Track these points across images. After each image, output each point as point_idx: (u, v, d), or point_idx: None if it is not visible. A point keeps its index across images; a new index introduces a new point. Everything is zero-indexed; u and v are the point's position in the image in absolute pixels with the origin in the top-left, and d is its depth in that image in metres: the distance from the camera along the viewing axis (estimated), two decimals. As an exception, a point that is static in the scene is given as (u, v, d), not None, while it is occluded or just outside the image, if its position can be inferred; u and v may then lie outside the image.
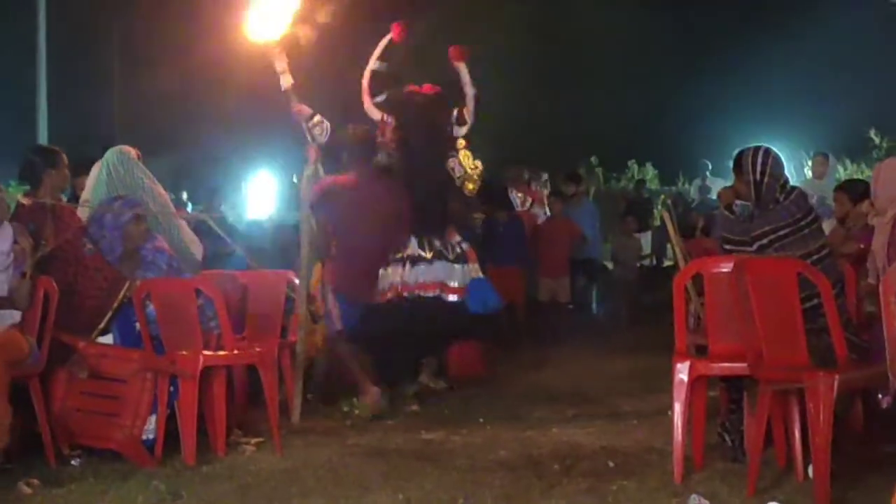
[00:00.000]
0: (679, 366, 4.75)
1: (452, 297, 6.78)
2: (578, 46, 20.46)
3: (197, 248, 6.25)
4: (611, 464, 5.07)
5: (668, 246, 10.75)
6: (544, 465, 5.08)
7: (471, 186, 7.03)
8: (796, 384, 4.35)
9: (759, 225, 4.89)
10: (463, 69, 7.00)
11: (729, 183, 8.36)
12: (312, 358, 6.65)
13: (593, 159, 21.33)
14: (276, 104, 6.74)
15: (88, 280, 5.52)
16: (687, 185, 19.10)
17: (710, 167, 16.74)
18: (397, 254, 6.77)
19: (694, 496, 4.35)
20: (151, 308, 5.41)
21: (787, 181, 5.00)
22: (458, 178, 6.98)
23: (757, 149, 4.99)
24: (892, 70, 18.14)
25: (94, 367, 5.32)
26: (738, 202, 5.09)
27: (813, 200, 6.12)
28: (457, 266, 6.85)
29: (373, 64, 7.06)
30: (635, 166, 22.10)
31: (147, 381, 5.27)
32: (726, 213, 5.17)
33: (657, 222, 14.78)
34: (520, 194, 11.12)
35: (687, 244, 6.36)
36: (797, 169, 15.21)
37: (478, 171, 7.03)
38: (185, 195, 14.79)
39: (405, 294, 6.72)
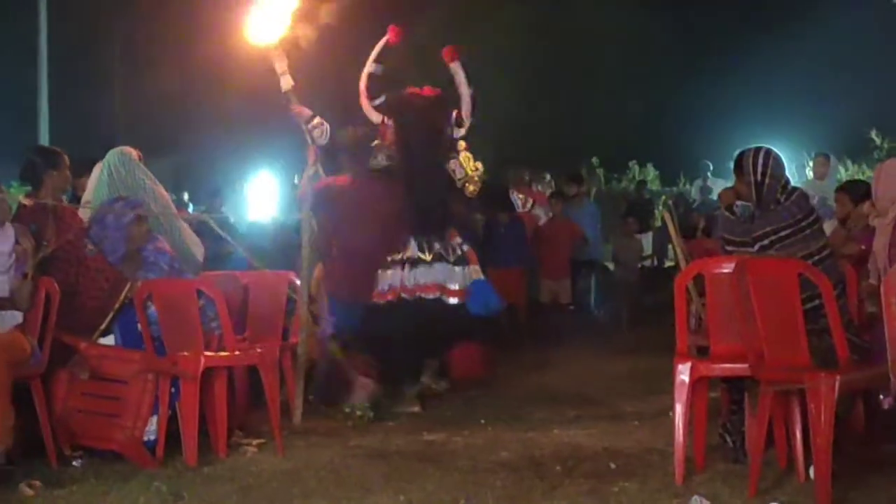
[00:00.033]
0: (680, 367, 4.75)
1: (453, 300, 6.78)
2: (579, 47, 20.47)
3: (198, 249, 6.25)
4: (612, 465, 5.06)
5: (670, 247, 10.76)
6: (546, 466, 5.08)
7: (471, 188, 7.03)
8: (797, 385, 4.35)
9: (760, 226, 4.89)
10: (457, 70, 7.00)
11: (730, 184, 8.36)
12: (314, 359, 6.65)
13: (594, 160, 21.34)
14: (277, 105, 6.74)
15: (90, 281, 5.52)
16: (688, 186, 19.11)
17: (711, 168, 16.75)
18: (396, 255, 6.78)
19: (695, 497, 4.36)
20: (153, 309, 5.41)
21: (788, 182, 5.00)
22: (459, 179, 6.98)
23: (758, 150, 4.99)
24: (894, 70, 18.15)
25: (96, 367, 5.33)
26: (738, 203, 5.08)
27: (814, 201, 6.11)
28: (457, 268, 6.84)
29: (369, 66, 7.07)
30: (636, 167, 22.11)
31: (148, 382, 5.27)
32: (727, 213, 5.17)
33: (658, 223, 14.79)
34: (521, 195, 11.13)
35: (688, 245, 6.37)
36: (798, 170, 15.20)
37: (479, 172, 7.02)
38: (186, 196, 14.82)
39: (405, 296, 6.73)
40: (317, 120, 6.68)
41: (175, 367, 5.24)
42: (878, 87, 18.16)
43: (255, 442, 5.56)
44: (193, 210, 12.53)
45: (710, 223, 10.48)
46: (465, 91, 6.98)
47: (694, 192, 17.08)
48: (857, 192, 6.77)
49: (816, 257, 4.76)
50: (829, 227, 6.46)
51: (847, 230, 6.66)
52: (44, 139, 17.26)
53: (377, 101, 7.04)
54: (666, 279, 9.41)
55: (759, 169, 4.89)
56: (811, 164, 12.90)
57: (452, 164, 6.96)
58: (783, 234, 4.82)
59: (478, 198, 7.30)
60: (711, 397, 5.09)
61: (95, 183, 6.05)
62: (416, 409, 6.60)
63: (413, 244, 6.82)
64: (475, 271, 6.93)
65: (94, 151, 6.69)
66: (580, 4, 20.52)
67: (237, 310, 6.11)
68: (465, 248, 6.99)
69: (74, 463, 5.13)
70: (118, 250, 5.60)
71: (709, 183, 16.37)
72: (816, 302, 4.51)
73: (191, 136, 19.07)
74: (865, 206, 6.29)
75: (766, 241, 4.85)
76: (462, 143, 7.03)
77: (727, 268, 4.70)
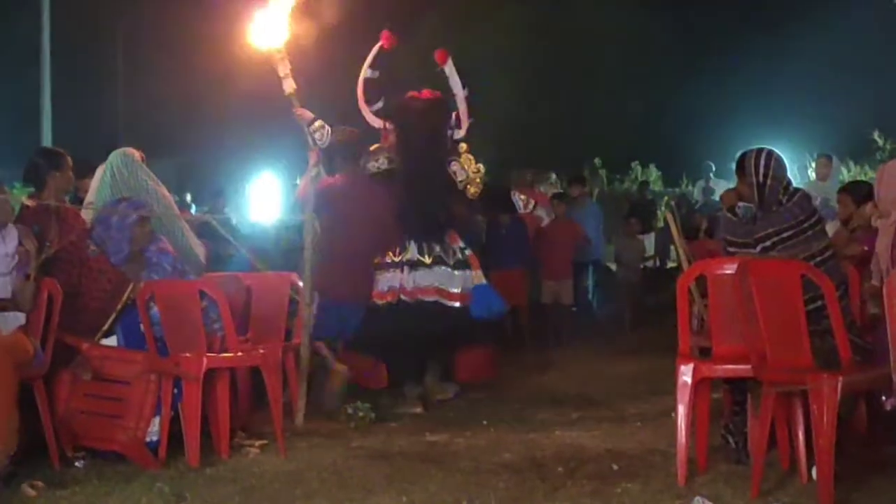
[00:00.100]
0: (682, 368, 4.75)
1: (453, 304, 6.79)
2: (579, 47, 20.48)
3: (201, 250, 6.26)
4: (615, 466, 5.06)
5: (672, 247, 10.75)
6: (548, 467, 5.08)
7: (473, 190, 7.04)
8: (800, 386, 4.35)
9: (762, 227, 4.89)
10: (451, 72, 7.02)
11: (732, 185, 8.35)
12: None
13: (597, 161, 21.34)
14: (279, 106, 6.76)
15: (92, 282, 5.52)
16: (690, 187, 19.09)
17: (713, 169, 16.73)
18: (395, 257, 6.79)
19: (698, 498, 4.36)
20: (155, 310, 5.42)
21: (790, 183, 4.99)
22: (461, 181, 6.98)
23: (760, 151, 4.98)
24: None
25: (98, 368, 5.33)
26: (741, 204, 5.08)
27: (816, 202, 6.11)
28: (456, 272, 6.86)
29: (365, 72, 7.11)
30: (639, 168, 22.12)
31: (151, 383, 5.28)
32: (729, 215, 5.16)
33: (661, 224, 14.77)
34: (522, 196, 11.12)
35: (690, 246, 6.35)
36: (801, 171, 15.18)
37: (480, 174, 7.04)
38: (188, 197, 14.81)
39: (405, 298, 6.74)
40: (318, 123, 6.70)
41: (178, 368, 5.24)
42: (880, 88, 18.16)
43: (257, 443, 5.56)
44: (196, 211, 12.52)
45: (713, 224, 10.46)
46: (459, 92, 7.01)
47: (696, 192, 17.07)
48: (859, 193, 6.76)
49: (819, 258, 4.75)
50: (831, 228, 6.45)
51: (849, 231, 6.65)
52: (46, 140, 17.28)
53: (375, 106, 7.09)
54: (668, 280, 9.43)
55: (761, 170, 4.89)
56: (813, 165, 12.88)
57: (454, 166, 6.98)
58: (785, 235, 4.82)
59: (479, 199, 7.31)
60: (714, 398, 5.09)
61: (98, 184, 6.05)
62: (419, 410, 6.61)
63: (413, 246, 6.84)
64: (477, 276, 6.95)
65: (96, 152, 6.70)
66: (580, 4, 20.53)
67: (240, 311, 6.11)
68: (467, 252, 7.01)
69: (77, 464, 5.13)
70: (121, 251, 5.60)
71: (711, 184, 16.35)
72: (819, 303, 4.51)
73: (193, 136, 19.10)
74: (868, 208, 6.28)
75: (768, 243, 4.85)
76: (463, 146, 7.04)
77: (729, 269, 4.70)
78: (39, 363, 5.06)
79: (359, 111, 7.16)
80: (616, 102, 21.19)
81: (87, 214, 5.85)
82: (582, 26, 20.41)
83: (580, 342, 9.83)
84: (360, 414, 6.26)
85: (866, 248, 5.80)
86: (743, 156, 5.01)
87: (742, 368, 4.62)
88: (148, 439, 5.24)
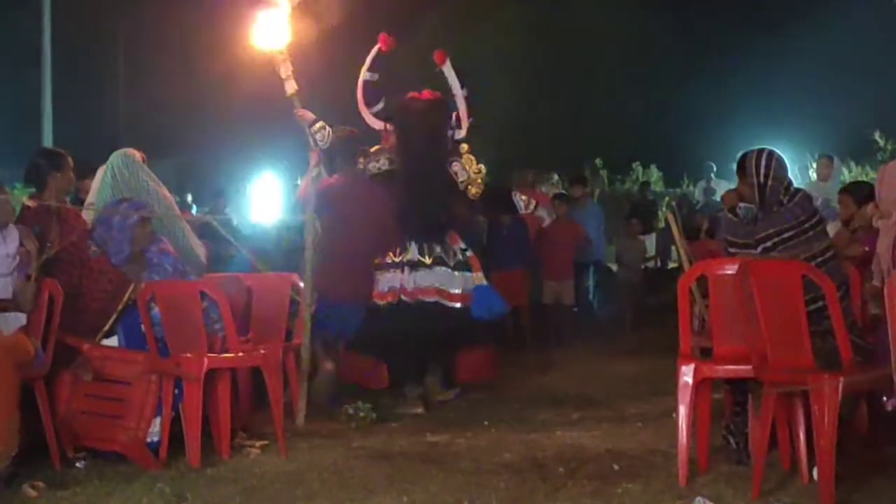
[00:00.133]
0: (683, 368, 4.75)
1: (454, 304, 6.79)
2: (579, 47, 20.49)
3: (201, 251, 6.26)
4: (615, 466, 5.06)
5: (673, 248, 10.75)
6: (549, 467, 5.08)
7: (474, 190, 7.04)
8: (801, 386, 4.35)
9: (763, 227, 4.89)
10: (449, 72, 7.02)
11: (733, 185, 8.35)
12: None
13: (598, 161, 21.34)
14: (280, 107, 6.77)
15: (93, 282, 5.52)
16: (691, 187, 19.10)
17: (714, 169, 16.74)
18: (395, 257, 6.80)
19: (699, 498, 4.36)
20: (156, 310, 5.42)
21: (790, 184, 4.99)
22: (462, 182, 6.99)
23: (760, 151, 4.98)
24: (896, 72, 18.16)
25: (99, 369, 5.33)
26: (742, 205, 5.08)
27: (817, 203, 6.10)
28: (457, 273, 6.86)
29: (364, 75, 7.12)
30: (640, 168, 22.13)
31: (152, 384, 5.28)
32: (730, 215, 5.16)
33: (661, 224, 14.77)
34: (523, 197, 11.12)
35: (691, 246, 6.35)
36: (801, 171, 15.21)
37: (481, 174, 7.04)
38: (189, 198, 14.82)
39: (405, 298, 6.74)
40: (319, 124, 6.72)
41: (178, 369, 5.24)
42: (880, 88, 18.16)
43: (258, 443, 5.56)
44: (197, 212, 12.53)
45: (714, 225, 10.47)
46: (458, 92, 7.01)
47: (697, 193, 17.07)
48: (860, 193, 6.76)
49: (820, 259, 4.75)
50: (832, 228, 6.45)
51: (850, 232, 6.65)
52: (47, 140, 17.29)
53: (375, 108, 7.10)
54: (669, 280, 9.42)
55: (762, 171, 4.89)
56: (814, 165, 12.90)
57: (456, 166, 6.98)
58: (786, 235, 4.82)
59: (480, 200, 7.31)
60: (715, 399, 5.09)
61: (99, 185, 6.06)
62: (419, 410, 6.61)
63: (414, 247, 6.84)
64: (478, 278, 6.95)
65: (97, 153, 6.71)
66: (580, 4, 20.54)
67: (240, 311, 6.11)
68: (468, 253, 7.01)
69: (78, 464, 5.13)
70: (122, 252, 5.60)
71: (712, 184, 16.35)
72: (820, 303, 4.51)
73: (194, 137, 19.11)
74: (869, 208, 6.28)
75: (769, 243, 4.85)
76: (465, 146, 7.05)
77: (730, 269, 4.70)
78: (40, 364, 5.06)
79: (359, 113, 7.18)
80: (616, 102, 21.19)
81: (87, 215, 5.85)
82: (582, 26, 20.42)
83: (581, 342, 9.82)
84: (361, 414, 6.26)
85: (867, 248, 5.80)
86: (744, 156, 5.01)
87: (743, 369, 4.62)
88: (149, 440, 5.24)
